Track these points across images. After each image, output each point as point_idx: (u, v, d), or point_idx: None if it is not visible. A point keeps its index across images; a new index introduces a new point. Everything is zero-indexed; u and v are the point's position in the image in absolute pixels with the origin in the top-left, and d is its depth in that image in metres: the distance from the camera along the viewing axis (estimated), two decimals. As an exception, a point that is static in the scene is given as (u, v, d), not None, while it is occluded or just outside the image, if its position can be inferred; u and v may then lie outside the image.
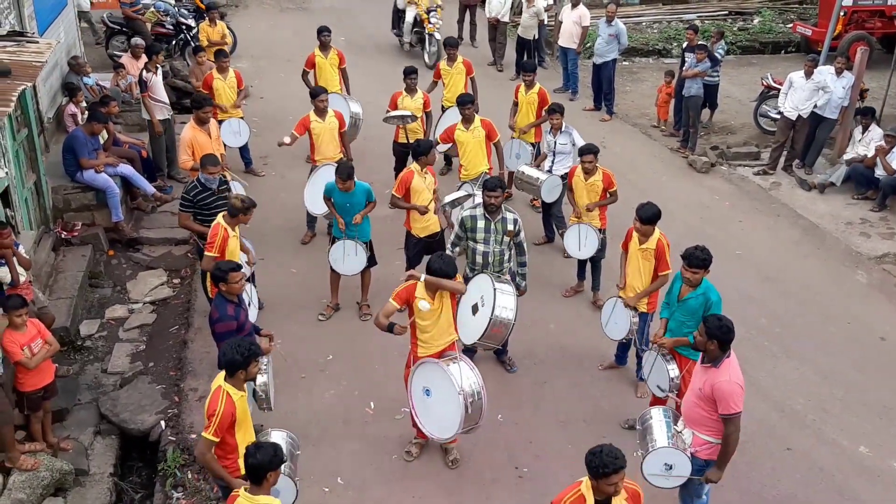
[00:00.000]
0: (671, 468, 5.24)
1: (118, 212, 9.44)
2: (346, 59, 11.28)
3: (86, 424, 7.00)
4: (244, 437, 5.02)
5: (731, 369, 5.14)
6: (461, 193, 8.11)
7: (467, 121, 8.96)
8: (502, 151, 9.39)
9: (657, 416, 5.54)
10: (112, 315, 8.48)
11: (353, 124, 10.28)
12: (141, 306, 8.67)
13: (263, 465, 4.33)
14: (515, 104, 10.17)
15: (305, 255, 9.36)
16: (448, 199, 7.98)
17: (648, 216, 6.77)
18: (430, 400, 6.07)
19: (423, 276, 6.00)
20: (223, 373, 4.96)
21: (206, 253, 6.85)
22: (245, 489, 4.42)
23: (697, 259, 5.97)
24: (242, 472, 4.93)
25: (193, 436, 6.63)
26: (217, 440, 4.86)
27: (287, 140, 9.09)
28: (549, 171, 9.14)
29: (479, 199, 7.30)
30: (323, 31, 10.98)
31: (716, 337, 5.08)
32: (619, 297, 7.10)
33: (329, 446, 6.65)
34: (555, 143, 9.16)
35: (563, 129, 9.14)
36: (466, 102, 8.98)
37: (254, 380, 5.02)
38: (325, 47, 10.96)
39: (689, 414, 5.31)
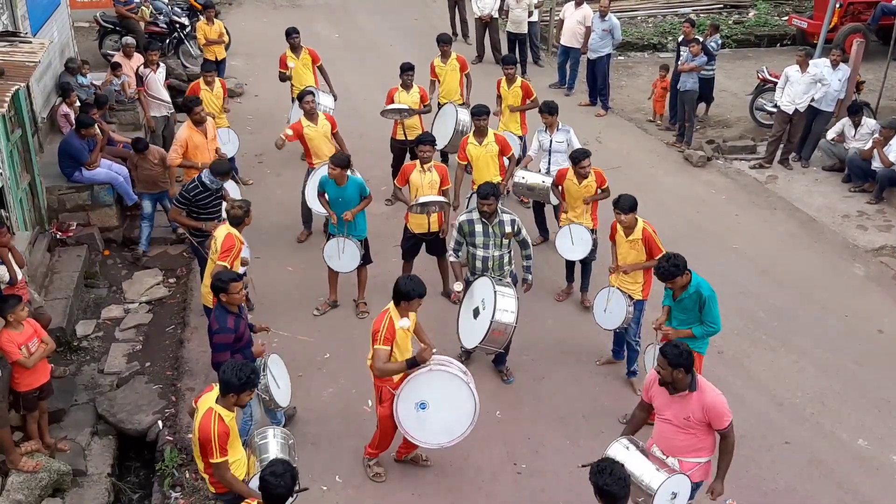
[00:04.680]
0: (675, 496, 4.95)
1: (131, 194, 9.56)
2: (342, 55, 11.21)
3: (83, 425, 7.00)
4: (234, 453, 5.02)
5: (706, 384, 5.06)
6: (435, 199, 7.75)
7: (480, 134, 8.41)
8: (514, 167, 8.84)
9: (625, 456, 5.02)
10: (108, 315, 8.48)
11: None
12: (137, 306, 8.66)
13: (286, 495, 4.35)
14: (499, 96, 10.06)
15: (302, 253, 9.33)
16: (421, 200, 7.70)
17: (629, 205, 6.77)
18: (427, 412, 5.87)
19: (389, 305, 5.84)
20: (215, 392, 4.91)
21: (219, 262, 6.76)
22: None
23: (664, 271, 5.94)
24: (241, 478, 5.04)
25: (190, 435, 6.58)
26: (226, 459, 4.86)
27: (280, 141, 8.98)
28: (548, 172, 8.82)
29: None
30: (291, 34, 10.88)
31: (680, 365, 4.87)
32: (612, 285, 7.08)
33: (327, 444, 6.64)
34: (550, 140, 8.83)
35: (559, 127, 8.83)
36: (482, 114, 8.34)
37: (243, 406, 5.00)
38: (295, 49, 10.87)
39: (672, 444, 5.11)
